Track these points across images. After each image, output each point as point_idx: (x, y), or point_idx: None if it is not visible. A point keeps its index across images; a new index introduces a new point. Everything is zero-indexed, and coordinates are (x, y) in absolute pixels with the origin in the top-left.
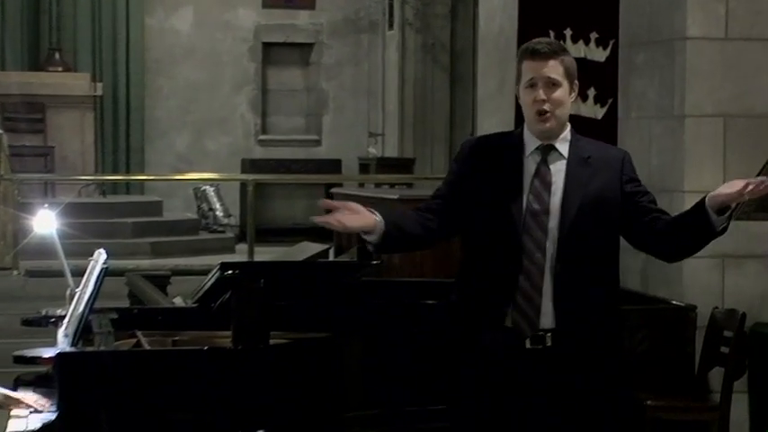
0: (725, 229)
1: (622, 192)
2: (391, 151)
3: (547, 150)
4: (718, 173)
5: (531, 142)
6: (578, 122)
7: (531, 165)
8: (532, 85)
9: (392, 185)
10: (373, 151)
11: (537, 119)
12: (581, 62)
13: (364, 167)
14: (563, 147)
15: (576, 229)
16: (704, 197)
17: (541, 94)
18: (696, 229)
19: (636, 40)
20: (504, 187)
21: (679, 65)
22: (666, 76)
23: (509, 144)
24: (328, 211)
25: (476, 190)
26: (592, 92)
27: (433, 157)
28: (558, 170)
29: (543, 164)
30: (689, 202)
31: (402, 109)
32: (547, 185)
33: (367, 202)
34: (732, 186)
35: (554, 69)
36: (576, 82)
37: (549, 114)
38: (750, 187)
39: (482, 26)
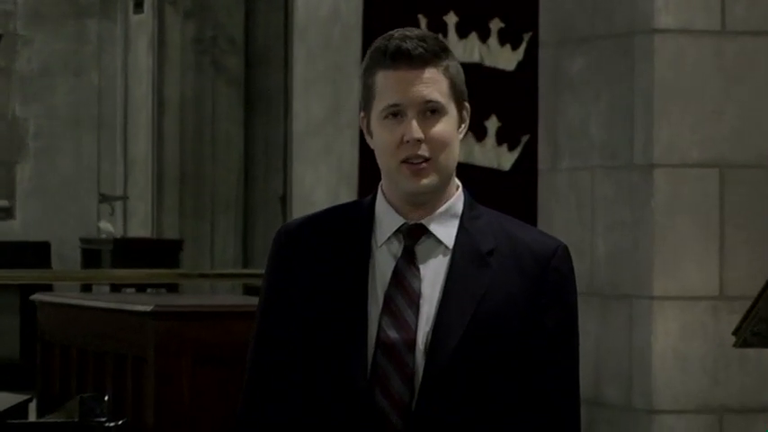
0: None
1: (534, 327)
2: (140, 228)
3: (414, 235)
4: (712, 264)
5: (388, 219)
6: (471, 177)
7: (385, 262)
8: (396, 113)
9: (143, 288)
10: (108, 228)
11: (406, 171)
12: (475, 71)
13: (92, 256)
14: (445, 228)
15: (460, 374)
16: None
17: (415, 128)
18: None
19: (569, 36)
20: (340, 304)
21: (643, 77)
22: (622, 97)
23: (352, 228)
24: None
25: (301, 313)
26: (493, 123)
27: (216, 237)
28: (433, 271)
29: (407, 260)
30: (660, 316)
31: (160, 154)
32: (412, 299)
33: (98, 318)
34: None
35: (434, 84)
36: (468, 105)
37: (426, 164)
38: None
39: (300, 8)
